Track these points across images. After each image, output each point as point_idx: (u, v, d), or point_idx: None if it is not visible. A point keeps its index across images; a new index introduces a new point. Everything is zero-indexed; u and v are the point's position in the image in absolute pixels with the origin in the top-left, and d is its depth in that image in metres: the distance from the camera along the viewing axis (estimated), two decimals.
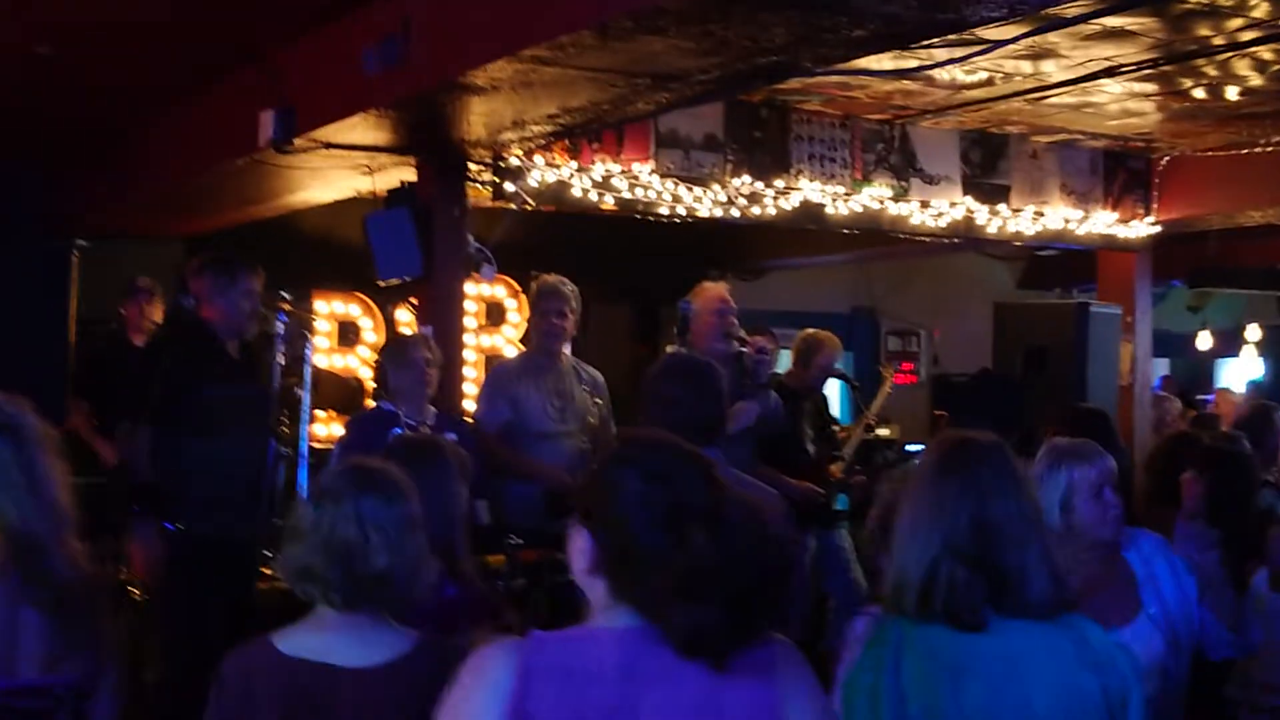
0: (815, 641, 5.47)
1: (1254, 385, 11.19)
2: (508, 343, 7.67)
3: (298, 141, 5.57)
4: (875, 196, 6.95)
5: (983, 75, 6.01)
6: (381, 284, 6.01)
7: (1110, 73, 5.86)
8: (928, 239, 7.41)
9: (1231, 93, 6.34)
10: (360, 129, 5.43)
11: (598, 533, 1.94)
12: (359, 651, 2.48)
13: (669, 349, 6.30)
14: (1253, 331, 12.17)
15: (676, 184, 6.40)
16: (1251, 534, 4.01)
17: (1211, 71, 5.98)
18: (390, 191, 6.05)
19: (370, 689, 2.44)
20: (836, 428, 6.74)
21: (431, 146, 5.75)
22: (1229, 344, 12.40)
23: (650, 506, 1.90)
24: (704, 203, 6.49)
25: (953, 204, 7.21)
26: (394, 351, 5.32)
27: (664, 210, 6.41)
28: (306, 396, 6.18)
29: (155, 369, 4.89)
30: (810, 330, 6.65)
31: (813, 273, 10.91)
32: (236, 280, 4.99)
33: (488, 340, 8.22)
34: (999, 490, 2.38)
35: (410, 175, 6.04)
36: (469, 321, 7.49)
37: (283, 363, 5.77)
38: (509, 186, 5.96)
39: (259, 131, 5.56)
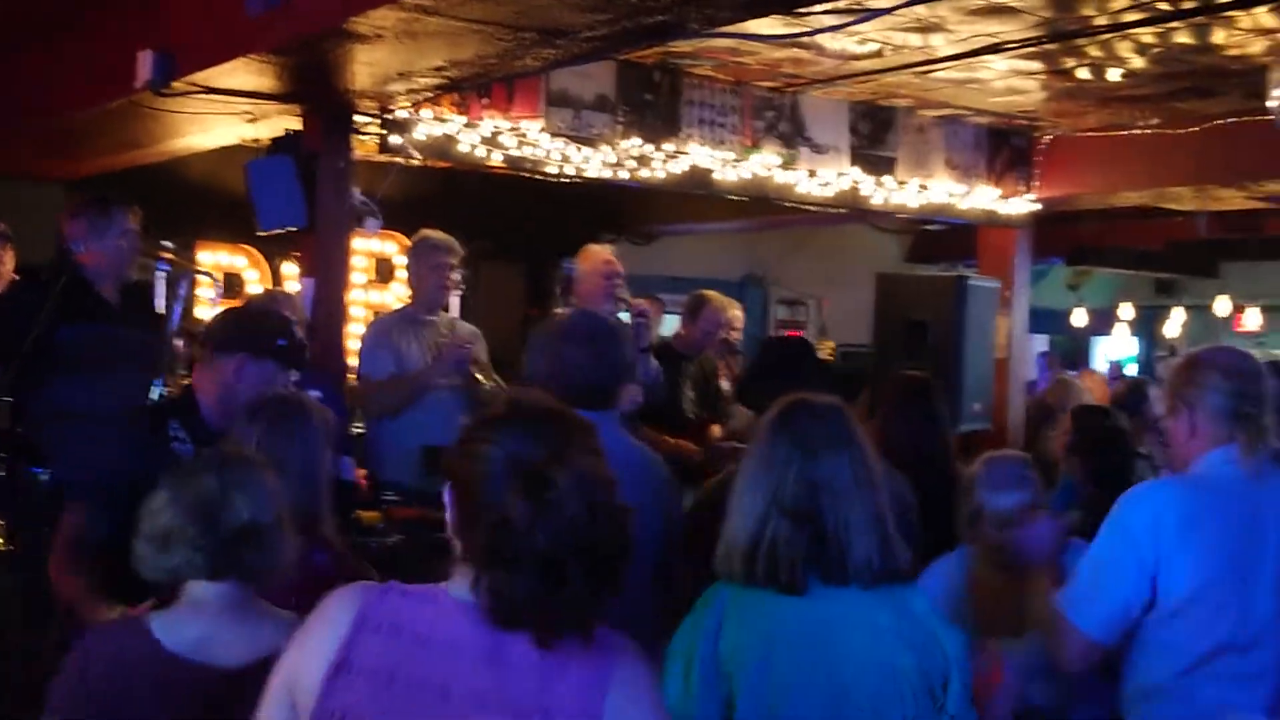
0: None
1: (1117, 365, 11.53)
2: (398, 300, 7.61)
3: (177, 85, 5.43)
4: (764, 164, 6.99)
5: (872, 47, 6.07)
6: (263, 233, 5.91)
7: (995, 49, 5.96)
8: (815, 208, 7.47)
9: (1113, 74, 6.47)
10: (242, 74, 5.31)
11: (454, 491, 1.91)
12: (240, 648, 2.43)
13: (558, 311, 6.29)
14: (1126, 310, 12.51)
15: (566, 143, 6.37)
16: None
17: (1094, 52, 6.10)
18: (274, 140, 5.95)
19: (252, 687, 2.36)
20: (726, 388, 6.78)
21: (317, 95, 5.65)
22: (1104, 322, 12.74)
23: (492, 466, 1.84)
24: (593, 163, 6.47)
25: (840, 174, 7.28)
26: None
27: (553, 169, 6.38)
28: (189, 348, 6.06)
29: (15, 314, 4.74)
30: (699, 290, 6.70)
31: (705, 240, 10.97)
32: (113, 222, 4.86)
33: (377, 296, 8.15)
34: (831, 450, 2.36)
35: (295, 124, 5.94)
36: (357, 277, 7.42)
37: (164, 312, 5.65)
38: (395, 139, 5.89)
39: (136, 73, 5.42)
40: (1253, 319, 11.99)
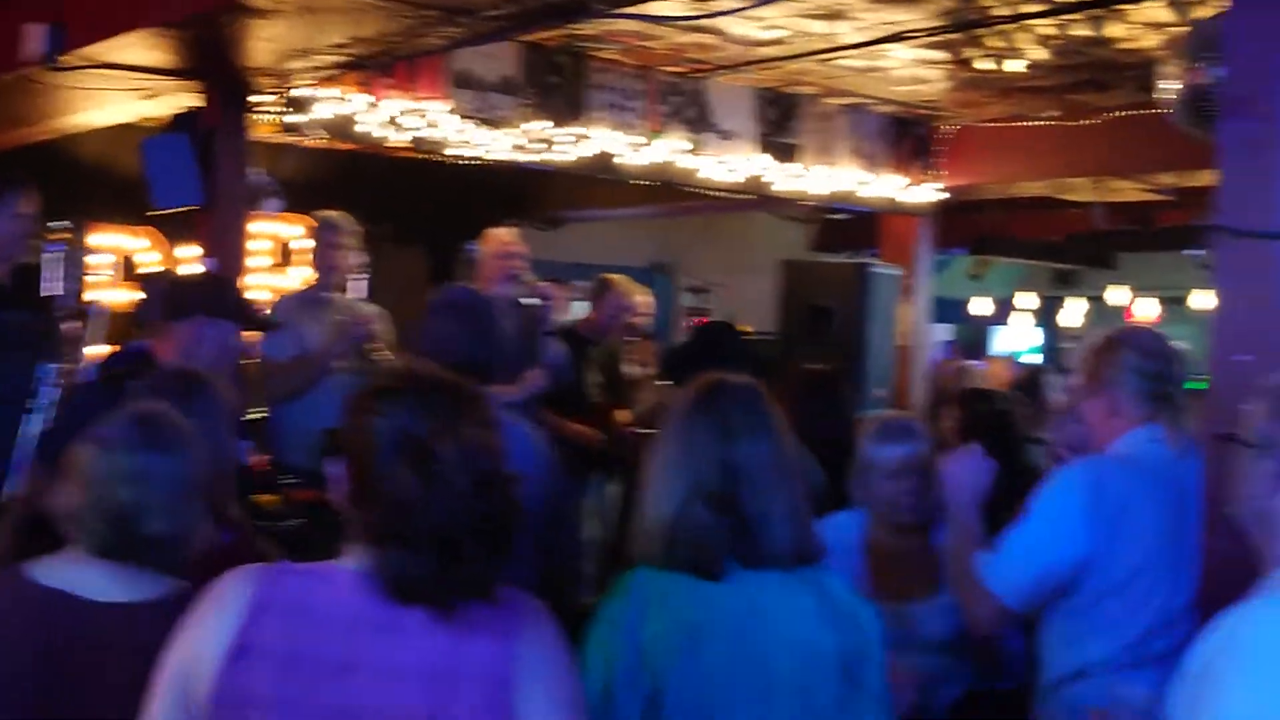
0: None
1: (1014, 356, 11.74)
2: (303, 283, 7.50)
3: (69, 59, 5.28)
4: (670, 149, 6.99)
5: (777, 33, 6.09)
6: (158, 213, 5.79)
7: (898, 38, 6.01)
8: (721, 194, 7.50)
9: (1014, 65, 6.57)
10: (137, 48, 5.18)
11: (346, 464, 1.89)
12: (118, 589, 2.37)
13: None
14: (1026, 300, 12.71)
15: (471, 125, 6.31)
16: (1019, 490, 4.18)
17: (996, 43, 6.18)
18: (172, 117, 5.83)
19: (136, 628, 2.31)
20: (639, 373, 6.78)
21: (215, 72, 5.53)
22: (1004, 312, 12.95)
23: (380, 439, 1.83)
24: (498, 145, 6.43)
25: (746, 160, 7.31)
26: (153, 290, 5.15)
27: (457, 151, 6.33)
28: (87, 330, 5.95)
29: None
30: (603, 275, 6.69)
31: (612, 226, 10.95)
32: (5, 204, 4.73)
33: (281, 279, 8.02)
34: (749, 432, 2.33)
35: (193, 101, 5.81)
36: (259, 260, 7.31)
37: (59, 294, 5.53)
38: (296, 118, 5.80)
39: (25, 45, 5.26)
40: (1148, 309, 12.27)
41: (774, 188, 7.49)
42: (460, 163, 6.44)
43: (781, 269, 7.48)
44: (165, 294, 3.91)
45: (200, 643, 1.85)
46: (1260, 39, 2.74)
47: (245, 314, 3.85)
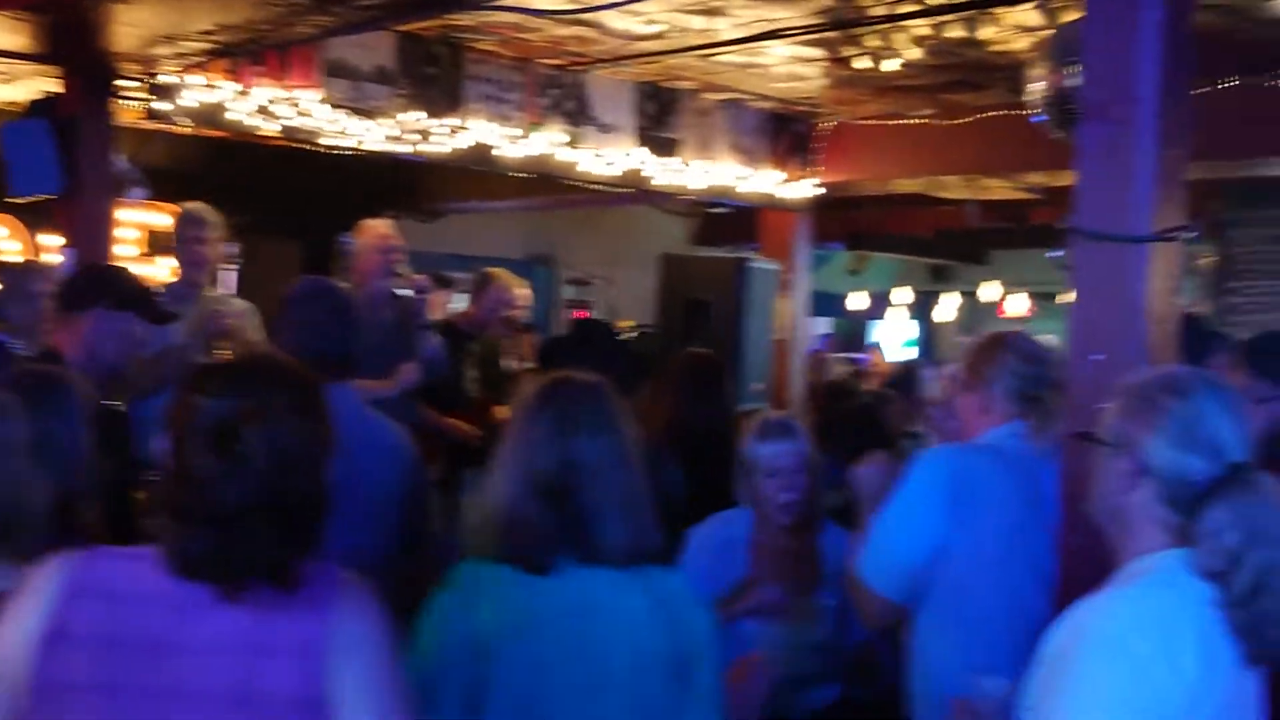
0: None
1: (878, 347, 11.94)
2: (172, 274, 7.31)
3: None
4: (549, 141, 6.95)
5: (656, 28, 6.08)
6: (15, 200, 5.60)
7: (776, 35, 6.05)
8: (600, 187, 7.48)
9: (890, 64, 6.64)
10: None
11: (169, 442, 1.90)
12: None
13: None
14: (902, 295, 12.92)
15: (344, 114, 6.20)
16: None
17: (872, 42, 6.24)
18: (31, 102, 5.64)
19: None
20: (519, 367, 6.72)
21: (77, 57, 5.38)
22: (882, 306, 13.15)
23: (193, 420, 1.85)
24: (373, 135, 6.32)
25: (625, 154, 7.30)
26: (12, 281, 4.99)
27: (330, 141, 6.21)
28: None
29: None
30: (485, 268, 6.63)
31: (491, 218, 10.88)
32: None
33: (149, 270, 7.81)
34: (589, 429, 2.33)
35: (54, 86, 5.63)
36: (125, 249, 7.10)
37: None
38: (162, 105, 5.64)
39: None
40: (1019, 304, 12.54)
41: (653, 182, 7.49)
42: (335, 153, 6.32)
43: (660, 263, 7.48)
44: (65, 285, 3.88)
45: (15, 632, 1.85)
46: (1116, 46, 2.80)
47: (146, 305, 3.77)
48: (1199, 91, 6.52)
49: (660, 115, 7.49)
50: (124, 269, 4.26)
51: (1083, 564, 2.49)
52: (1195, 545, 2.04)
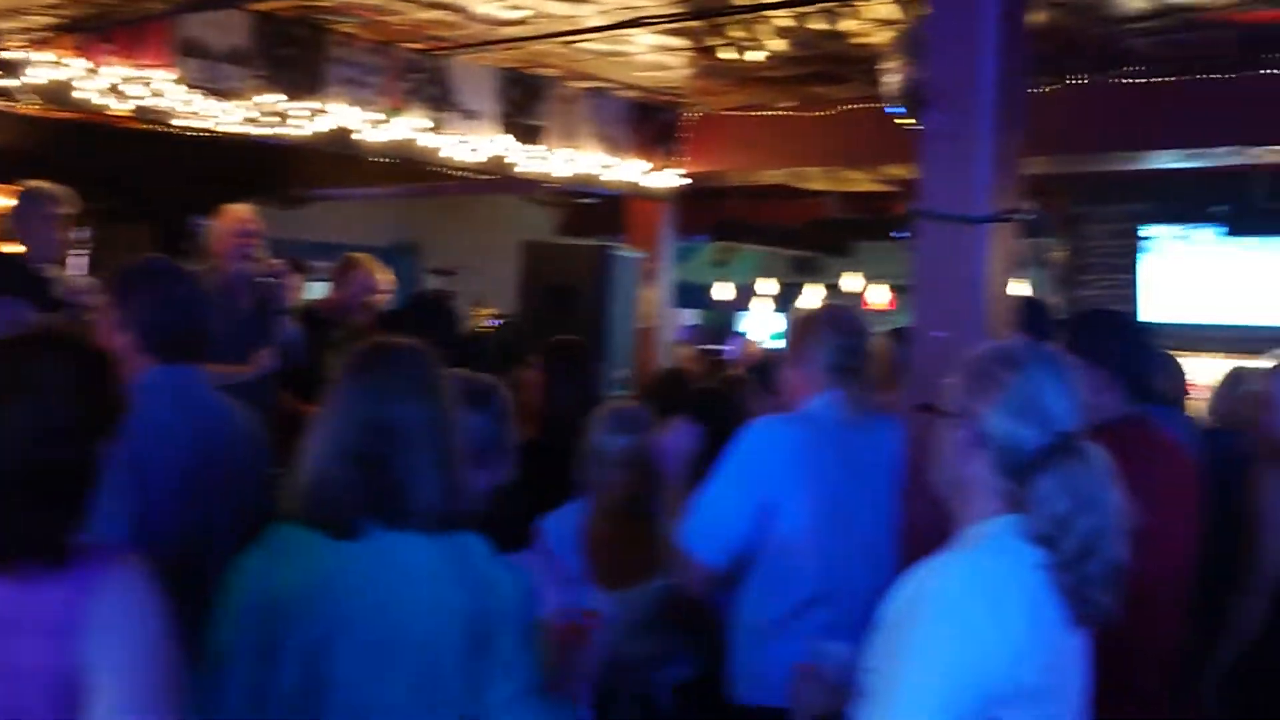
0: None
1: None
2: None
3: None
4: (411, 126, 6.88)
5: (519, 13, 6.06)
6: None
7: (639, 23, 6.07)
8: (464, 174, 7.43)
9: (753, 55, 6.72)
10: None
11: None
12: None
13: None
14: (766, 286, 13.07)
15: (199, 95, 6.05)
16: None
17: (736, 33, 6.31)
18: None
19: None
20: None
21: None
22: (746, 298, 13.29)
23: None
24: (229, 117, 6.18)
25: (489, 140, 7.26)
26: None
27: (184, 122, 6.06)
28: None
29: None
30: (348, 254, 6.55)
31: (356, 205, 10.75)
32: None
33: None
34: (403, 393, 2.32)
35: None
36: None
37: None
38: (7, 82, 5.45)
39: None
40: (881, 296, 12.77)
41: (518, 169, 7.47)
42: (189, 135, 6.17)
43: (522, 250, 7.47)
44: None
45: None
46: (957, 37, 2.89)
47: (41, 291, 3.64)
48: (1049, 88, 6.80)
49: (524, 102, 7.47)
50: (15, 256, 4.12)
51: (923, 530, 2.57)
52: (1027, 512, 2.11)
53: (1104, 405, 3.02)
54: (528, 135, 7.47)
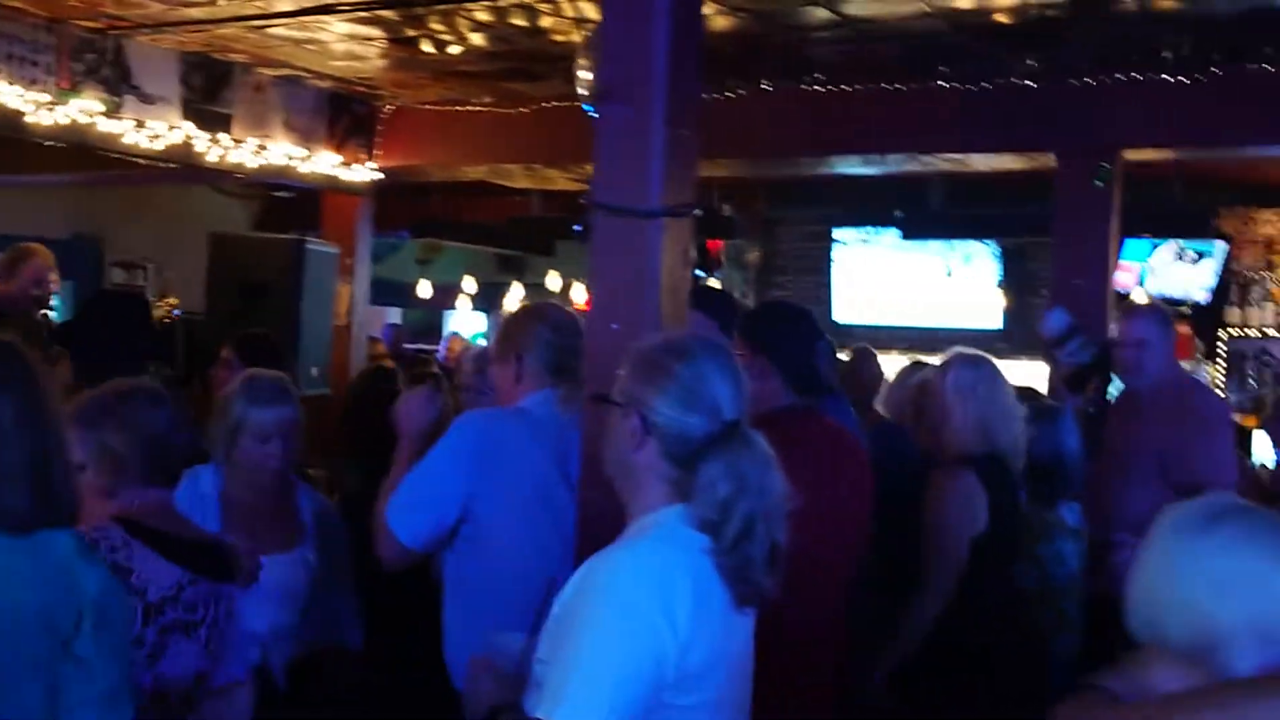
0: None
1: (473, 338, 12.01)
2: None
3: None
4: (84, 110, 6.48)
5: None
6: None
7: (331, 9, 5.92)
8: (148, 162, 7.07)
9: (451, 49, 6.66)
10: None
11: None
12: None
13: None
14: (468, 284, 13.01)
15: None
16: None
17: (434, 25, 6.23)
18: None
19: None
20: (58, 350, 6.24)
21: None
22: (450, 296, 13.19)
23: None
24: None
25: (171, 127, 6.93)
26: None
27: None
28: None
29: None
30: (21, 244, 6.12)
31: (30, 193, 10.09)
32: None
33: None
34: None
35: None
36: None
37: None
38: None
39: None
40: (582, 295, 12.87)
41: (206, 159, 7.16)
42: None
43: (211, 243, 7.17)
44: None
45: None
46: (631, 32, 2.94)
47: None
48: (740, 93, 7.02)
49: (210, 88, 7.17)
50: None
51: (600, 521, 2.59)
52: (693, 499, 2.15)
53: (772, 394, 3.12)
54: (213, 123, 7.17)
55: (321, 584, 3.51)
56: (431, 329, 13.82)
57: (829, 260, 11.24)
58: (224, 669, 2.77)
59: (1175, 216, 8.79)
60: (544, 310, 3.38)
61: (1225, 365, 9.66)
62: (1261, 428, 7.58)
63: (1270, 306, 9.59)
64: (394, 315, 13.19)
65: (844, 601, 3.21)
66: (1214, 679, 1.89)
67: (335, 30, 6.43)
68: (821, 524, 3.06)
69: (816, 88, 6.94)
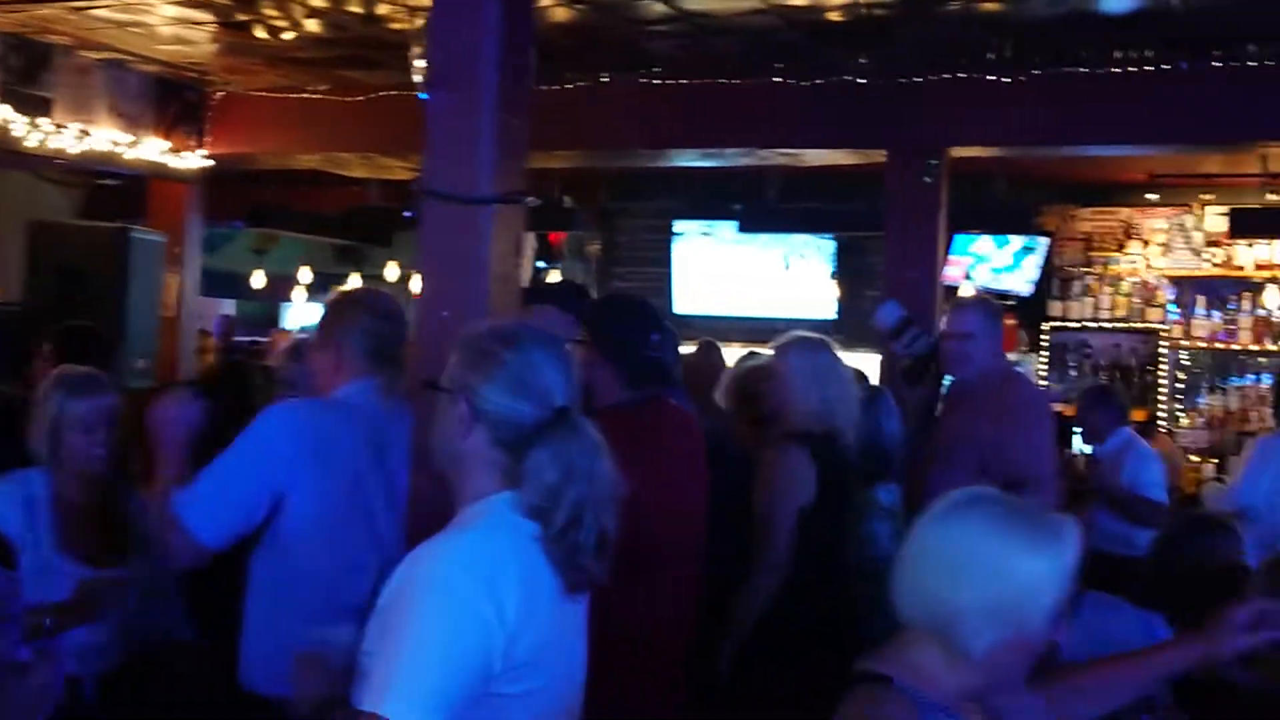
0: None
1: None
2: None
3: None
4: None
5: None
6: None
7: None
8: None
9: (285, 35, 6.52)
10: None
11: None
12: None
13: None
14: (304, 275, 12.78)
15: None
16: None
17: (267, 10, 6.10)
18: None
19: None
20: None
21: None
22: (286, 287, 12.92)
23: None
24: None
25: None
26: None
27: None
28: None
29: None
30: None
31: None
32: None
33: None
34: None
35: None
36: None
37: None
38: None
39: None
40: (419, 286, 12.69)
41: (25, 144, 6.88)
42: None
43: (29, 231, 6.91)
44: None
45: None
46: (461, 19, 2.92)
47: None
48: (578, 84, 7.02)
49: (29, 70, 6.89)
50: None
51: (429, 509, 2.57)
52: (521, 486, 2.14)
53: (609, 385, 3.13)
54: (33, 107, 6.89)
55: (145, 592, 3.37)
56: (272, 321, 13.53)
57: (669, 252, 11.32)
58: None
59: (1000, 213, 9.07)
60: (364, 296, 3.30)
61: (1048, 357, 10.02)
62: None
63: (1089, 300, 9.99)
64: (229, 307, 12.87)
65: (695, 587, 3.24)
66: (958, 657, 1.99)
67: (162, 13, 6.24)
68: (668, 511, 3.10)
69: (655, 81, 6.99)
